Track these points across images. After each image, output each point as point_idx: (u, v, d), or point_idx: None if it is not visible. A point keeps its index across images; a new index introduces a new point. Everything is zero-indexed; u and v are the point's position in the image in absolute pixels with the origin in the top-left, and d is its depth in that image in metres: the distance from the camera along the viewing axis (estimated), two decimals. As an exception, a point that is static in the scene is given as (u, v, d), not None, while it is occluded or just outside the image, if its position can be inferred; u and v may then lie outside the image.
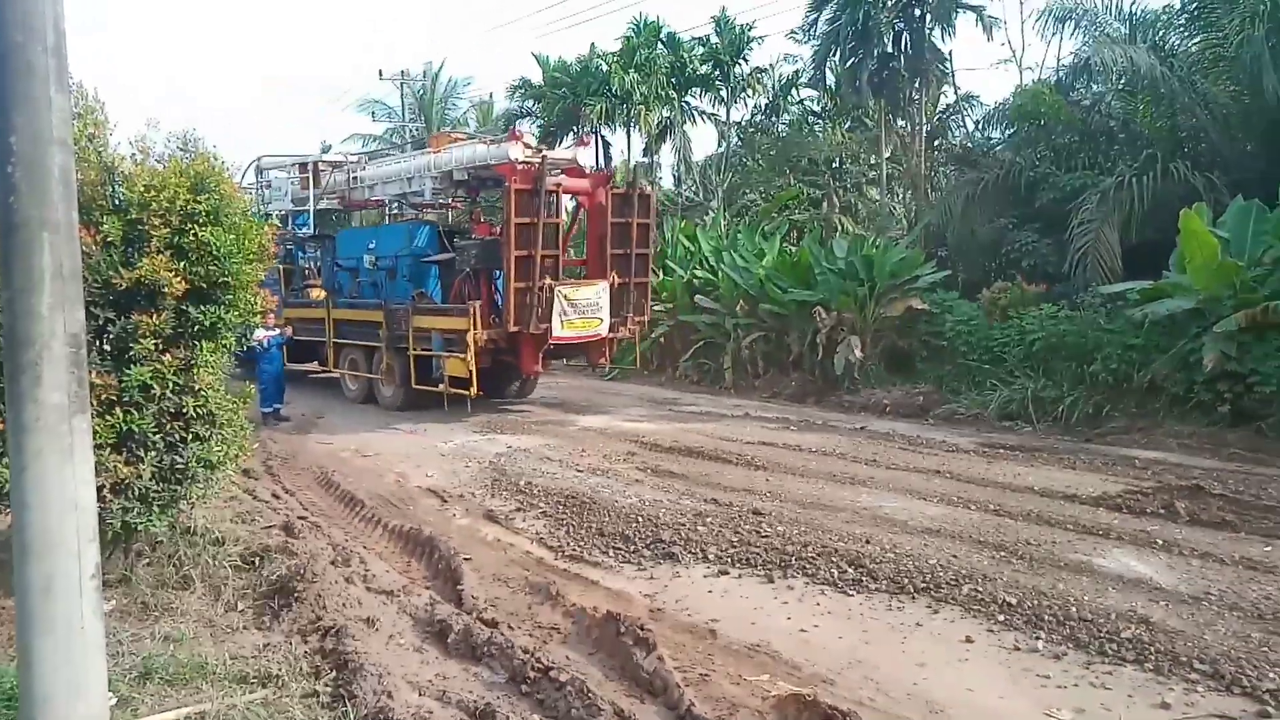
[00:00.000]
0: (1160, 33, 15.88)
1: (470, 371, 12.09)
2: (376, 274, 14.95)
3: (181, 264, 5.11)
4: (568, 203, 13.74)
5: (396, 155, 16.85)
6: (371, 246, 15.16)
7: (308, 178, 16.04)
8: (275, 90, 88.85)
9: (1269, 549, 6.43)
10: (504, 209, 12.03)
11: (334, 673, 4.32)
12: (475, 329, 12.00)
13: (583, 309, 12.44)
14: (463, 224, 15.10)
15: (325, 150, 17.99)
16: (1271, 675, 4.41)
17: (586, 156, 13.74)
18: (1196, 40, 15.16)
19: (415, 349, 12.97)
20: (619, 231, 13.02)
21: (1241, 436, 9.98)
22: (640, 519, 7.30)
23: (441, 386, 12.70)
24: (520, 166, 12.06)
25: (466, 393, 12.28)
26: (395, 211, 16.90)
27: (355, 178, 15.72)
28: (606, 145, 30.97)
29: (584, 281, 12.92)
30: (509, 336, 12.33)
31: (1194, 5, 15.06)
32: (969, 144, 22.45)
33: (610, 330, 13.02)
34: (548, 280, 11.96)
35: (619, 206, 13.00)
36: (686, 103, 29.31)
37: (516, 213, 11.54)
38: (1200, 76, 14.30)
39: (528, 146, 12.74)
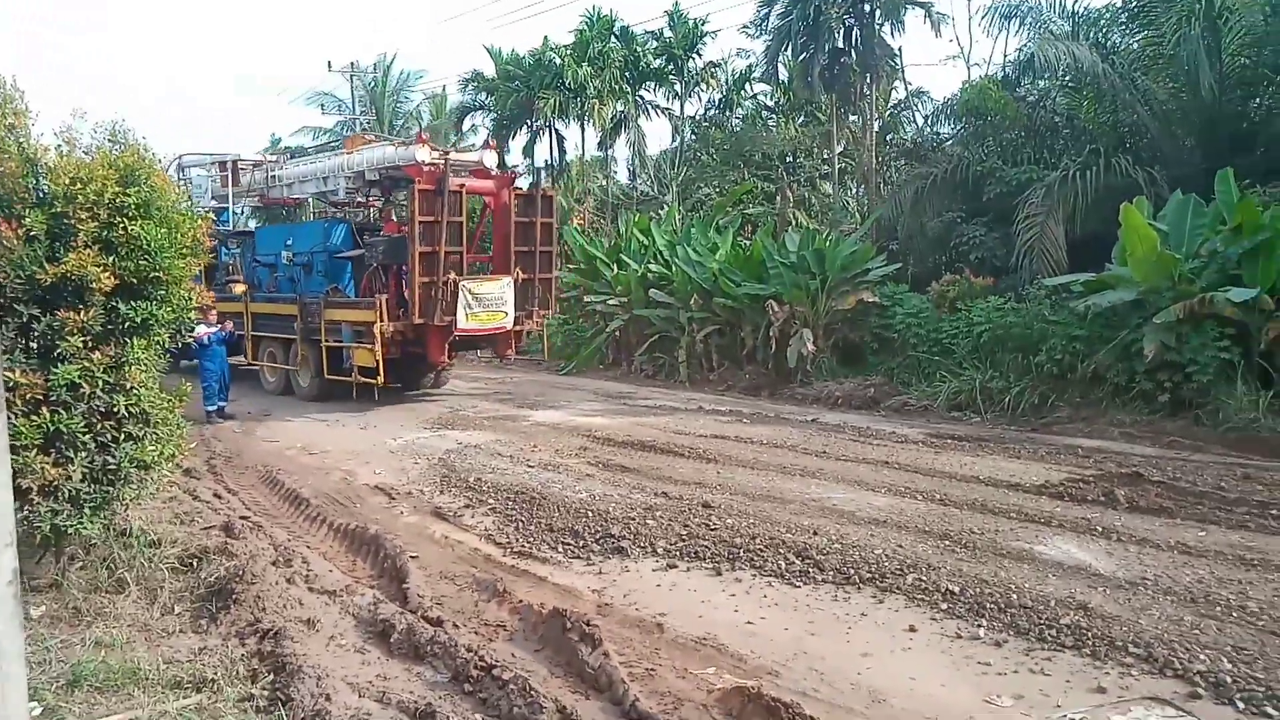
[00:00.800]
0: (1103, 30, 16.22)
1: (377, 361, 12.54)
2: (293, 269, 15.33)
3: (110, 259, 4.98)
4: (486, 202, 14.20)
5: (314, 155, 17.25)
6: (289, 243, 15.51)
7: (227, 176, 16.58)
8: (274, 90, 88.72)
9: (1203, 534, 6.60)
10: (409, 207, 12.49)
11: (271, 676, 4.23)
12: (382, 321, 12.47)
13: (487, 303, 12.87)
14: (376, 222, 15.48)
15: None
16: (1203, 657, 4.51)
17: (492, 159, 14.17)
18: (1137, 37, 15.55)
19: (327, 340, 13.46)
20: (523, 230, 13.58)
21: (1180, 424, 10.23)
22: (590, 514, 7.27)
23: (352, 376, 13.16)
24: (426, 168, 12.51)
25: (374, 382, 12.79)
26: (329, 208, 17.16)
27: (273, 176, 16.27)
28: (560, 139, 30.83)
29: (488, 277, 13.36)
30: (415, 328, 12.71)
31: (1134, 4, 15.43)
32: (919, 139, 22.74)
33: (515, 324, 13.53)
34: (452, 275, 12.35)
35: (523, 206, 13.60)
36: (640, 97, 29.31)
37: (421, 211, 12.03)
38: (1141, 74, 14.63)
39: (434, 149, 13.32)
